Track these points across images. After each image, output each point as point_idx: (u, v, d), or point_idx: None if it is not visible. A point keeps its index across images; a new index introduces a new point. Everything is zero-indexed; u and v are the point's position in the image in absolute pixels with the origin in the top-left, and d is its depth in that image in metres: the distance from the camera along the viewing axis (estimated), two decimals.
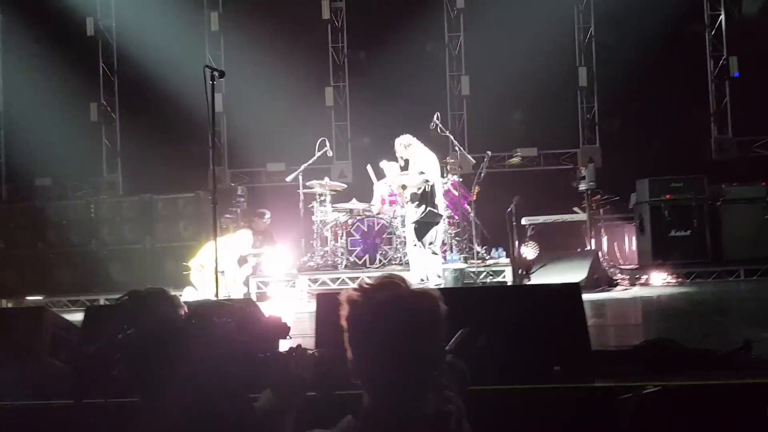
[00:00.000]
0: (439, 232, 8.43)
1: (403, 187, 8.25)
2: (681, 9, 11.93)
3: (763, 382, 3.19)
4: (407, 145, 8.45)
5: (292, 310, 8.14)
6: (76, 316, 7.50)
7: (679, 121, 11.56)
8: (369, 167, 9.74)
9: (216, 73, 5.18)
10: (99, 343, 2.10)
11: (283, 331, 2.10)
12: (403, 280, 1.82)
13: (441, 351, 1.90)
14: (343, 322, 1.80)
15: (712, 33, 12.18)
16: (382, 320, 1.74)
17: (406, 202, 8.32)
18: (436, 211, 8.15)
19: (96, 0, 12.80)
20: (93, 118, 12.78)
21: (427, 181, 8.08)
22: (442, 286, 8.01)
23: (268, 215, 10.58)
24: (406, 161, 8.54)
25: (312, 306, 4.70)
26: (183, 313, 2.28)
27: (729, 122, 12.04)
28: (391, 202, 9.84)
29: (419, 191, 8.13)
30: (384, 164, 9.02)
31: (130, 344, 1.98)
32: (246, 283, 9.18)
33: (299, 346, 2.02)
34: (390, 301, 1.76)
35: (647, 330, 5.85)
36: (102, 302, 9.85)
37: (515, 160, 12.10)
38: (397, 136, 8.65)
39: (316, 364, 1.98)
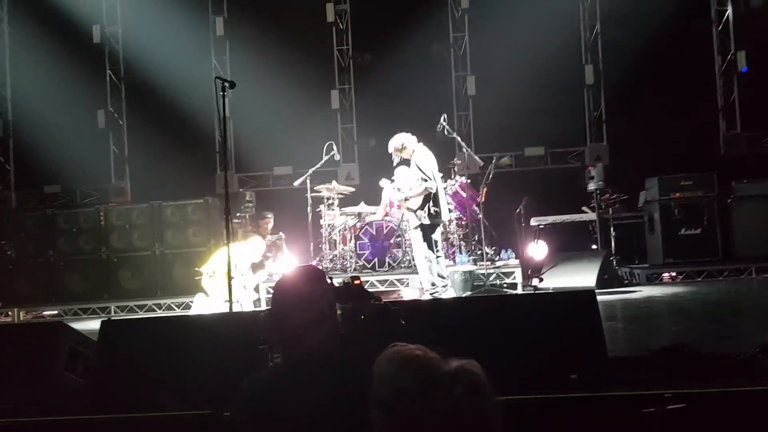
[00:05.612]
0: (438, 234, 8.19)
1: (406, 199, 7.95)
2: (687, 4, 11.91)
3: None
4: (400, 148, 7.86)
5: None
6: (88, 324, 7.56)
7: (688, 117, 11.50)
8: (384, 183, 9.11)
9: (227, 84, 5.18)
10: None
11: None
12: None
13: None
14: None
15: (719, 28, 12.11)
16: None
17: (408, 210, 7.99)
18: (439, 210, 7.89)
19: (102, 7, 12.87)
20: (100, 124, 12.84)
21: (428, 188, 7.66)
22: (449, 289, 7.99)
23: (271, 217, 10.57)
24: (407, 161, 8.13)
25: None
26: None
27: (738, 118, 11.98)
28: (399, 206, 9.80)
29: (423, 197, 7.81)
30: (398, 172, 8.57)
31: None
32: (257, 290, 9.19)
33: None
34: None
35: (660, 333, 5.82)
36: (113, 309, 9.90)
37: (505, 160, 11.97)
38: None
39: None
